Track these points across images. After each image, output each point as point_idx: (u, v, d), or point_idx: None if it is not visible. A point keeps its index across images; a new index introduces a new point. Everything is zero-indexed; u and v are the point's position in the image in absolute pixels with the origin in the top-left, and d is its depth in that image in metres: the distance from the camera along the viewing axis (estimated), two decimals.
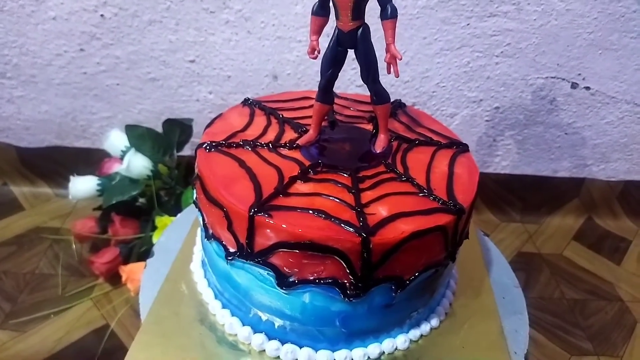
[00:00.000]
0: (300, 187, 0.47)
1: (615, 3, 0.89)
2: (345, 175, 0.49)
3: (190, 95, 0.98)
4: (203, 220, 0.51)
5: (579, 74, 0.96)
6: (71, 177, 0.87)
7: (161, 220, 0.81)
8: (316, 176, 0.49)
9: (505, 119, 1.02)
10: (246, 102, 0.61)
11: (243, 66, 0.94)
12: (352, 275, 0.43)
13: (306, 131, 0.54)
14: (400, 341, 0.51)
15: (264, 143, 0.53)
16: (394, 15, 0.46)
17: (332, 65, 0.50)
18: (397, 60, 0.48)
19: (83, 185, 0.86)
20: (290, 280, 0.45)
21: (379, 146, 0.53)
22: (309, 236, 0.42)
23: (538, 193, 1.12)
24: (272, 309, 0.48)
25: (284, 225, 0.42)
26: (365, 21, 0.48)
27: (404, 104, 0.65)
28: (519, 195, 1.13)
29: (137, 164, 0.86)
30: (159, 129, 0.91)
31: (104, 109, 0.99)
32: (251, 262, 0.45)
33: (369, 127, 0.58)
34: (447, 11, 0.89)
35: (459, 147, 0.57)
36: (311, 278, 0.44)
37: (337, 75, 0.51)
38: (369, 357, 0.49)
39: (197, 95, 0.98)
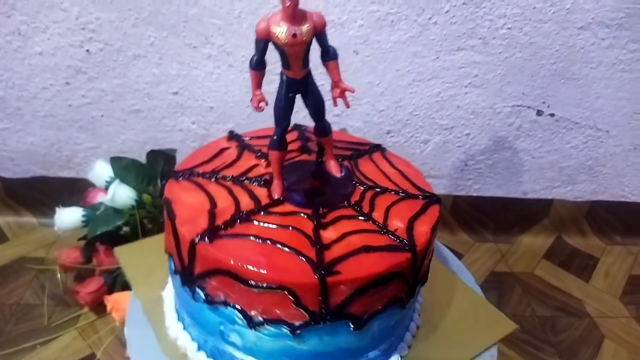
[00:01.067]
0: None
1: (575, 36, 0.95)
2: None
3: (174, 125, 1.01)
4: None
5: (544, 102, 1.02)
6: (57, 209, 0.89)
7: None
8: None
9: (476, 144, 1.07)
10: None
11: (225, 97, 0.98)
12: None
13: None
14: None
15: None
16: (335, 56, 0.51)
17: (287, 114, 0.52)
18: (350, 93, 0.52)
19: (68, 217, 0.88)
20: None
21: (337, 171, 0.56)
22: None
23: (510, 214, 1.17)
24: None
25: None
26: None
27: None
28: (491, 217, 1.18)
29: (122, 195, 0.88)
30: (143, 158, 0.94)
31: (89, 140, 1.02)
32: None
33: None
34: (418, 45, 0.94)
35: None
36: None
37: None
38: None
39: (181, 125, 1.01)
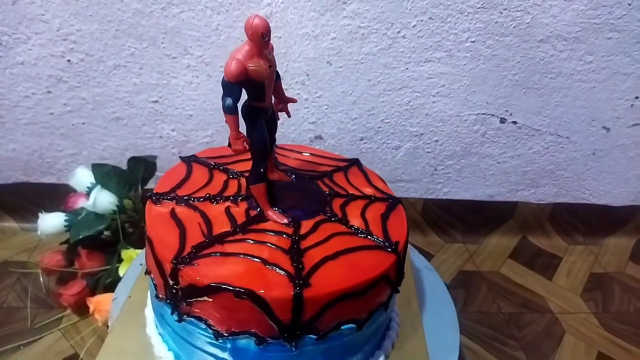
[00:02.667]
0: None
1: (535, 49, 1.00)
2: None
3: (154, 132, 1.04)
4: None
5: (507, 110, 1.08)
6: (40, 214, 0.91)
7: (127, 253, 0.86)
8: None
9: (444, 150, 1.12)
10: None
11: (204, 106, 1.01)
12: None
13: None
14: None
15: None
16: (279, 78, 0.54)
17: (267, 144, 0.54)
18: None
19: (51, 222, 0.90)
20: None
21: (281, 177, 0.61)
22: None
23: (477, 216, 1.22)
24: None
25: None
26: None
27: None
28: (460, 218, 1.23)
29: (103, 200, 0.90)
30: (123, 164, 0.96)
31: (70, 147, 1.04)
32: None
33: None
34: (388, 57, 0.98)
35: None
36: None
37: None
38: None
39: (161, 132, 1.04)
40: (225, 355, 0.51)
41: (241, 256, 0.49)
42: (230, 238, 0.52)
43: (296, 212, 0.57)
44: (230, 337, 0.49)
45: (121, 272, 0.86)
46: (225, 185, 0.61)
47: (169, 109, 1.01)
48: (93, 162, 0.95)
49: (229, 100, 0.48)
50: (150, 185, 1.00)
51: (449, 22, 0.95)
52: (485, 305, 1.05)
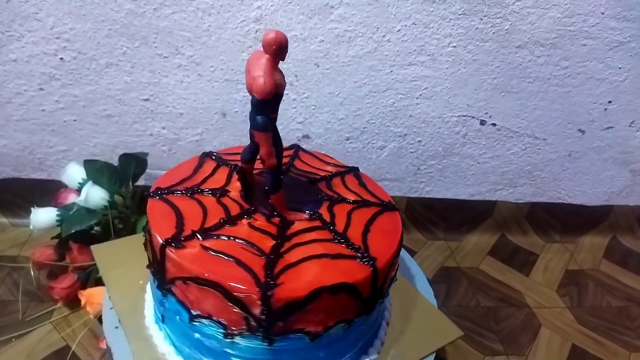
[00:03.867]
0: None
1: (514, 54, 1.04)
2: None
3: (145, 130, 1.06)
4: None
5: (486, 113, 1.12)
6: (32, 209, 0.92)
7: None
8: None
9: (427, 150, 1.15)
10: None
11: (194, 104, 1.03)
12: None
13: None
14: None
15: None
16: None
17: None
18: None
19: (43, 216, 0.91)
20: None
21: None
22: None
23: (458, 214, 1.26)
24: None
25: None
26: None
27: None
28: (442, 216, 1.26)
29: (95, 196, 0.91)
30: (114, 161, 0.98)
31: (61, 143, 1.06)
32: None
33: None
34: (374, 60, 1.02)
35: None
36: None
37: None
38: None
39: (151, 130, 1.06)
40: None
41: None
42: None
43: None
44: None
45: None
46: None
47: (159, 107, 1.03)
48: (84, 159, 0.96)
49: (262, 118, 0.48)
50: (141, 182, 1.02)
51: (432, 27, 0.99)
52: (465, 300, 1.09)
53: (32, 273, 0.95)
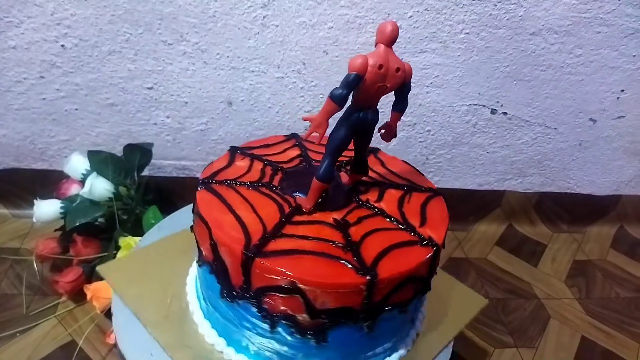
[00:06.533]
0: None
1: (527, 42, 1.02)
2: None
3: (148, 119, 1.03)
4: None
5: (497, 102, 1.10)
6: (35, 201, 0.90)
7: (125, 240, 0.86)
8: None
9: (436, 140, 1.14)
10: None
11: (199, 93, 1.01)
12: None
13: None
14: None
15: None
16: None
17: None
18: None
19: (47, 209, 0.90)
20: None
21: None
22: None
23: (466, 204, 1.25)
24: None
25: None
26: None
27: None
28: (450, 206, 1.24)
29: (99, 187, 0.90)
30: (117, 151, 0.96)
31: (62, 133, 1.03)
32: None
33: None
34: None
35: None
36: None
37: None
38: None
39: (155, 119, 1.03)
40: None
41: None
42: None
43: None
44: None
45: None
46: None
47: (163, 95, 1.00)
48: (86, 149, 0.94)
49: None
50: (145, 172, 1.00)
51: (445, 13, 0.96)
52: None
53: (35, 266, 0.93)
